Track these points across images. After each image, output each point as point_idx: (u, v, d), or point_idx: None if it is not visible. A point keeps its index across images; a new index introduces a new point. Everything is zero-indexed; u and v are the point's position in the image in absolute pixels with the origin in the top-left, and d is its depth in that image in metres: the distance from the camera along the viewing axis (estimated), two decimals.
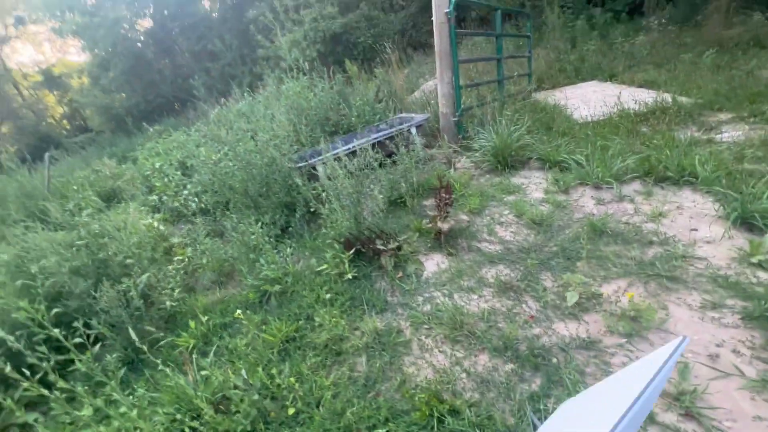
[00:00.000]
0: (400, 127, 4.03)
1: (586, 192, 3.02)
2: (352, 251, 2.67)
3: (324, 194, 2.99)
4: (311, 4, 10.72)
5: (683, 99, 4.23)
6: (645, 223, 2.48)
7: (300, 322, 2.33)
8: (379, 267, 2.69)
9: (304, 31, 10.42)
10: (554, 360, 1.76)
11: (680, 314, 1.82)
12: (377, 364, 1.96)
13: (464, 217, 3.08)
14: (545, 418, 1.52)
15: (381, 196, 3.03)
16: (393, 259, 2.66)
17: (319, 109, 4.76)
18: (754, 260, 1.94)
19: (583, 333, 1.85)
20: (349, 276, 2.57)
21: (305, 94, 4.79)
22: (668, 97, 4.29)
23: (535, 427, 1.50)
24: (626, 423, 0.75)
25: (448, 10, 3.92)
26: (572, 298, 1.93)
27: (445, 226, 2.77)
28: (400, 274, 2.60)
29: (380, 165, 3.43)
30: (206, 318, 2.52)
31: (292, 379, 1.92)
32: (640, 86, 5.19)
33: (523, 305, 2.11)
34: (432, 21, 4.10)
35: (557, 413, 1.30)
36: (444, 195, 2.81)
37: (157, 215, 4.12)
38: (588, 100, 5.01)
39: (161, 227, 3.57)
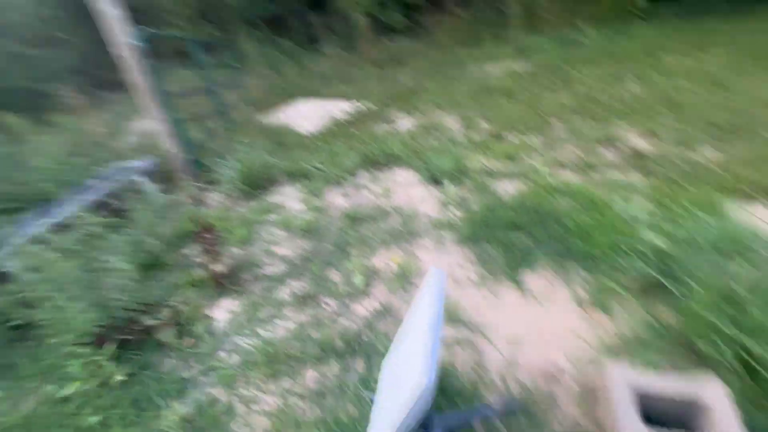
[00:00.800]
0: (121, 178, 3.29)
1: (334, 191, 3.41)
2: (112, 346, 2.01)
3: (35, 293, 2.09)
4: None
5: (369, 104, 5.40)
6: (381, 201, 3.05)
7: None
8: (158, 346, 2.16)
9: None
10: (365, 338, 1.94)
11: (426, 258, 2.36)
12: None
13: (237, 251, 2.87)
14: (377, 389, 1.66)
15: (127, 265, 2.41)
16: (174, 328, 2.19)
17: None
18: (448, 203, 2.74)
19: (377, 304, 2.12)
20: (119, 378, 1.94)
21: None
22: (359, 104, 5.37)
23: (372, 402, 1.61)
24: (433, 351, 0.91)
25: (133, 42, 3.43)
26: (359, 280, 2.16)
27: (221, 268, 2.50)
28: (191, 340, 2.18)
29: (113, 228, 2.70)
30: None
31: None
32: (338, 98, 6.25)
33: (323, 306, 2.20)
34: (119, 56, 3.49)
35: (382, 377, 1.45)
36: (207, 236, 2.52)
37: None
38: (305, 115, 5.61)
39: None
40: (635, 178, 2.62)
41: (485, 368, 1.65)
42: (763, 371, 1.28)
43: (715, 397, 1.15)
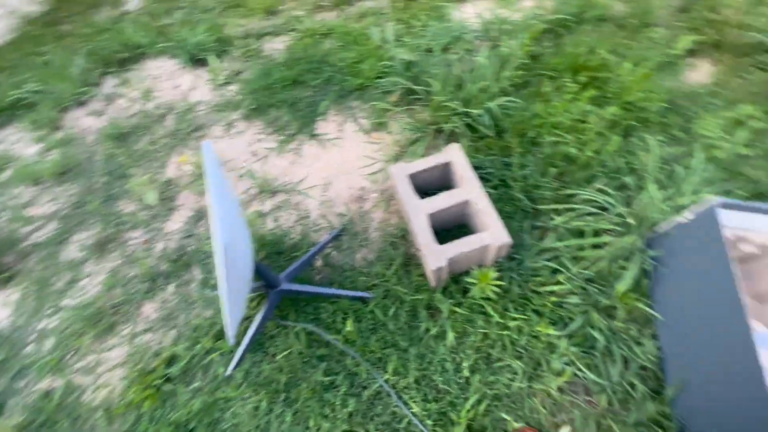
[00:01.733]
0: None
1: (77, 114, 2.56)
2: None
3: None
4: None
5: None
6: (146, 105, 2.46)
7: None
8: None
9: None
10: (191, 248, 1.79)
11: (222, 145, 2.13)
12: None
13: None
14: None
15: None
16: None
17: None
18: (220, 82, 2.39)
19: (188, 212, 1.91)
20: None
21: None
22: None
23: (218, 296, 1.61)
24: (224, 212, 0.88)
25: None
26: (152, 197, 1.86)
27: None
28: None
29: None
30: None
31: None
32: None
33: (129, 241, 1.88)
34: None
35: (217, 270, 1.41)
36: None
37: None
38: None
39: None
40: (381, 2, 2.69)
41: (307, 217, 1.77)
42: (477, 126, 1.72)
43: (455, 155, 1.52)
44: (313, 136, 2.04)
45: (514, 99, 1.77)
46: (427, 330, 1.40)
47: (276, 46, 2.57)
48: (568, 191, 1.52)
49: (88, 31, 3.05)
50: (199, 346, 1.48)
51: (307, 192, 1.85)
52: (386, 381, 1.33)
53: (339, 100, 2.14)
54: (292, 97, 2.19)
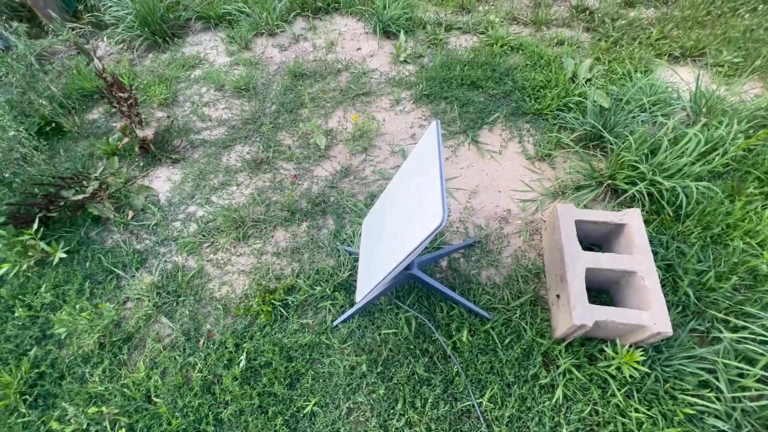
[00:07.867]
0: None
1: (266, 42, 2.87)
2: (34, 224, 1.73)
3: None
4: None
5: None
6: (327, 56, 2.68)
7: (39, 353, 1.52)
8: (94, 221, 1.92)
9: None
10: (332, 198, 1.94)
11: (383, 117, 2.27)
12: (178, 312, 1.62)
13: (160, 114, 2.43)
14: (351, 243, 1.75)
15: (15, 132, 1.91)
16: (107, 201, 1.93)
17: None
18: (401, 58, 2.51)
19: (338, 166, 2.06)
20: (60, 255, 1.74)
21: None
22: None
23: (350, 254, 1.72)
24: (444, 196, 0.94)
25: None
26: (322, 141, 2.03)
27: (148, 133, 2.13)
28: (131, 213, 1.97)
29: None
30: None
31: None
32: None
33: (281, 170, 2.08)
34: None
35: (367, 231, 1.51)
36: (121, 94, 2.04)
37: None
38: None
39: None
40: (581, 35, 2.62)
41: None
42: (658, 197, 1.62)
43: (635, 221, 1.45)
44: (475, 141, 2.06)
45: (711, 186, 1.63)
46: (537, 376, 1.37)
47: (462, 43, 2.63)
48: (749, 309, 1.37)
49: None
50: (319, 288, 1.60)
51: (453, 193, 1.89)
52: (479, 404, 1.34)
53: (511, 117, 2.14)
54: (465, 97, 2.24)
